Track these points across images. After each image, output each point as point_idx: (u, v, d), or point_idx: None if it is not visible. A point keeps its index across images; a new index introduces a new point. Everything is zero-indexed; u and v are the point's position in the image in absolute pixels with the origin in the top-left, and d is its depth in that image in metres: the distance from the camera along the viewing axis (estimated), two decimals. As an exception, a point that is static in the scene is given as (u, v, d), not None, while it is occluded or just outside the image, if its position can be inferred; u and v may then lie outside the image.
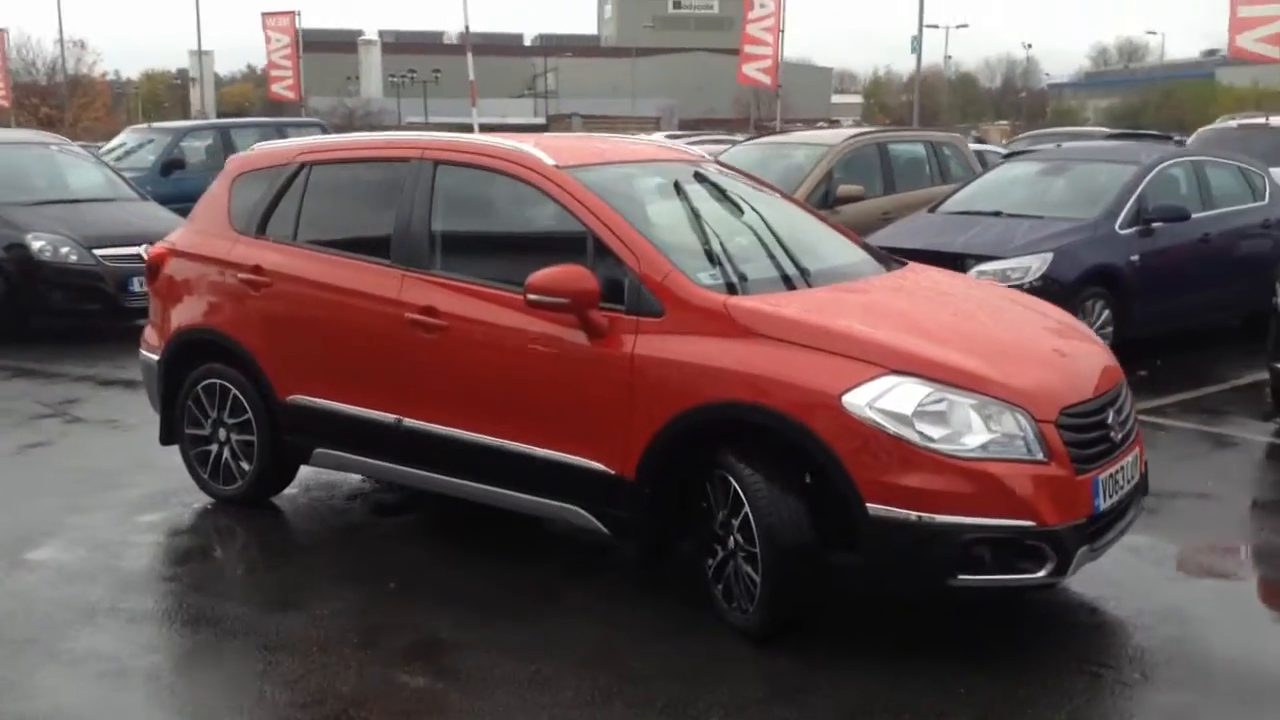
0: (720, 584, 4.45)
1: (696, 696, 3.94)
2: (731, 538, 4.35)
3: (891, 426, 4.01)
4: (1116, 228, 9.09)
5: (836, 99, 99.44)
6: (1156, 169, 9.58)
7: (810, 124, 34.67)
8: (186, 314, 5.99)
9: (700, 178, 5.50)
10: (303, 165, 5.77)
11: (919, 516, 3.98)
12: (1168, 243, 9.30)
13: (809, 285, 4.87)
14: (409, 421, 5.16)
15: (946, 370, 4.15)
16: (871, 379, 4.09)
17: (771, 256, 5.04)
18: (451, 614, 4.60)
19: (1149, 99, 72.43)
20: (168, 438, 6.18)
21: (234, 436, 5.86)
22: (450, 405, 5.04)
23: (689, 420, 4.38)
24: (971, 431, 4.04)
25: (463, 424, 5.00)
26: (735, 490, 4.28)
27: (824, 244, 5.48)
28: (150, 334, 6.25)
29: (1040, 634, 4.47)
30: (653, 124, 69.14)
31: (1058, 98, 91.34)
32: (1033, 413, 4.13)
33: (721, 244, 4.92)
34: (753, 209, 5.40)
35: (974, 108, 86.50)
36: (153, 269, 6.21)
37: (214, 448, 5.94)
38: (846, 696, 3.95)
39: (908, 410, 4.03)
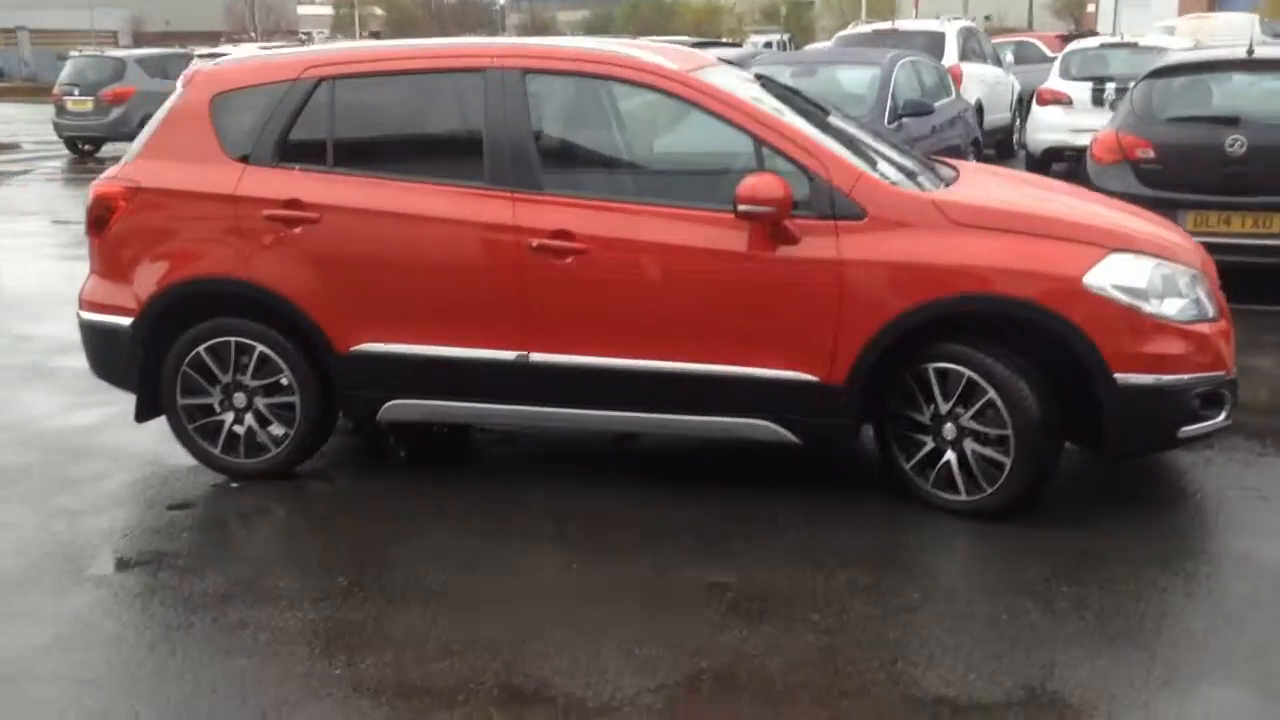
0: (931, 473, 4.62)
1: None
2: (949, 426, 4.54)
3: (1126, 300, 4.37)
4: (885, 123, 9.94)
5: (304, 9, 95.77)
6: (896, 68, 10.55)
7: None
8: (180, 263, 5.01)
9: (764, 80, 5.44)
10: (319, 80, 4.99)
11: (1157, 379, 4.39)
12: (913, 135, 10.30)
13: (933, 183, 5.04)
14: (537, 356, 4.76)
15: (1155, 244, 4.58)
16: (1101, 259, 4.41)
17: (883, 155, 5.14)
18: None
19: (614, 11, 76.88)
20: (147, 412, 5.20)
21: (260, 401, 5.06)
22: (593, 334, 4.71)
23: (912, 318, 4.46)
24: (1181, 297, 4.50)
25: (612, 351, 4.70)
26: (970, 379, 4.45)
27: (888, 143, 5.63)
28: (105, 292, 5.15)
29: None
30: (111, 38, 63.13)
31: (527, 9, 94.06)
32: (1206, 274, 4.68)
33: (850, 143, 4.95)
34: (822, 111, 5.45)
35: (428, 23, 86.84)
36: (102, 214, 5.10)
37: (226, 417, 5.09)
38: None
39: (1141, 284, 4.40)
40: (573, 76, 4.96)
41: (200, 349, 5.04)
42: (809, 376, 4.56)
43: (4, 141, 23.14)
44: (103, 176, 5.22)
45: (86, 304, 5.23)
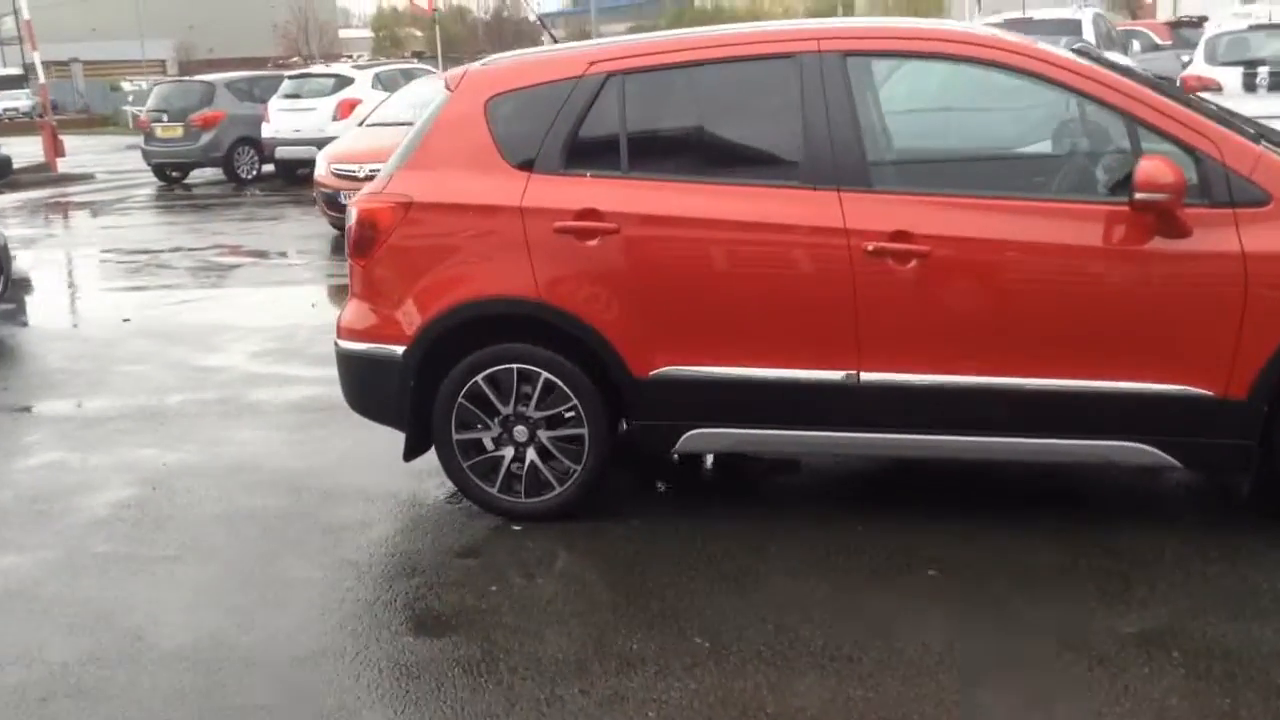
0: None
1: None
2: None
3: None
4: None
5: (344, 34, 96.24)
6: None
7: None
8: (459, 285, 4.51)
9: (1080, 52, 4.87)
10: (607, 76, 4.49)
11: None
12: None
13: None
14: (869, 375, 4.22)
15: None
16: None
17: (1255, 131, 4.53)
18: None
19: (659, 22, 76.74)
20: (416, 449, 4.71)
21: (543, 434, 4.55)
22: (936, 348, 4.17)
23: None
24: None
25: (958, 368, 4.15)
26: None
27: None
28: (370, 319, 4.66)
29: None
30: (160, 68, 63.58)
31: (563, 21, 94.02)
32: None
33: (1222, 120, 4.36)
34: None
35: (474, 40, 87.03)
36: (368, 233, 4.61)
37: (505, 452, 4.59)
38: None
39: None
40: (900, 57, 4.43)
41: (479, 378, 4.54)
42: (1201, 391, 3.99)
43: (77, 173, 22.91)
44: (363, 194, 4.73)
45: (347, 332, 4.74)
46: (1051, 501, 4.64)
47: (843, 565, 4.12)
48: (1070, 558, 4.07)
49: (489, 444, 4.62)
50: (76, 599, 4.14)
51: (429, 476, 5.05)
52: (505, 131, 4.53)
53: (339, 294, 10.24)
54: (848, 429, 4.33)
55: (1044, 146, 4.49)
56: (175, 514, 4.89)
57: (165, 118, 19.88)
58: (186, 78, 21.61)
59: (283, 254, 12.44)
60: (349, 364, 4.78)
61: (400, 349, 4.56)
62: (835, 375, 4.25)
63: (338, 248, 12.51)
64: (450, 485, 4.80)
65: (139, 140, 21.34)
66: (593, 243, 4.37)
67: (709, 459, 5.19)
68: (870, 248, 4.13)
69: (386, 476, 5.13)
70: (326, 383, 6.66)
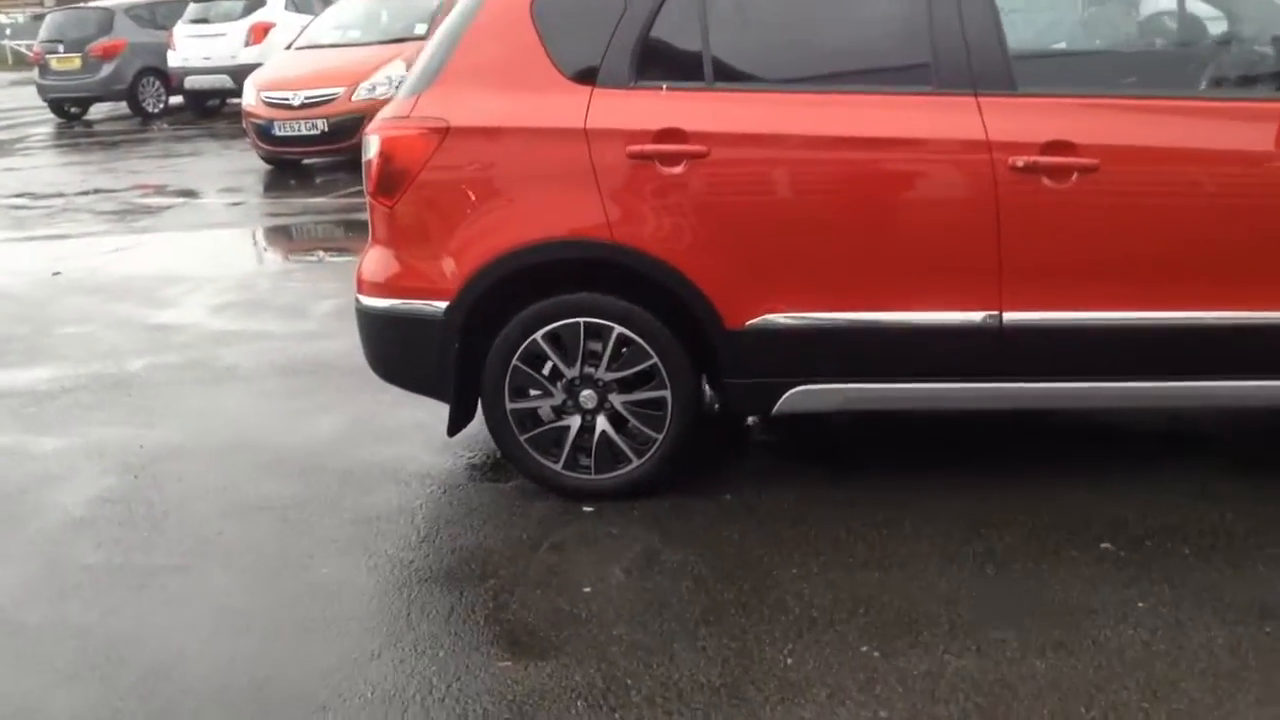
0: None
1: None
2: None
3: None
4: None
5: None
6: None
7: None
8: (514, 225, 3.75)
9: None
10: (682, -32, 3.72)
11: None
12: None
13: None
14: (1012, 315, 3.57)
15: None
16: None
17: None
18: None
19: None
20: (459, 421, 3.98)
21: (615, 399, 3.84)
22: (1097, 281, 3.54)
23: None
24: None
25: (1122, 303, 3.53)
26: None
27: None
28: (401, 270, 3.88)
29: None
30: None
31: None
32: None
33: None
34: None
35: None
36: (396, 168, 3.81)
37: (571, 422, 3.87)
38: None
39: None
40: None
41: (538, 336, 3.80)
42: None
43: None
44: (384, 118, 3.92)
45: (371, 286, 3.95)
46: (1185, 451, 4.08)
47: (999, 541, 3.50)
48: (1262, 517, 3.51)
49: (549, 413, 3.90)
50: (72, 628, 3.34)
51: (463, 449, 4.34)
52: (559, 36, 3.75)
53: (282, 237, 9.36)
54: (989, 379, 3.69)
55: (1216, 37, 3.84)
56: (169, 509, 4.09)
57: (61, 49, 18.41)
58: (80, 4, 20.03)
59: (215, 192, 11.41)
60: (375, 324, 4.00)
61: (441, 305, 3.80)
62: (974, 316, 3.59)
63: (274, 184, 11.57)
64: (490, 457, 4.11)
65: (31, 75, 19.83)
66: (677, 170, 3.63)
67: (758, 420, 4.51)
68: (1019, 163, 3.46)
69: (410, 450, 4.42)
70: (309, 338, 5.91)
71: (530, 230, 3.74)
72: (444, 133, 3.75)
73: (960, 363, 3.68)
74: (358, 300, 4.02)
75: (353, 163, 8.42)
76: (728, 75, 3.71)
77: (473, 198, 3.78)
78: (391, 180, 3.83)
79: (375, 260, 3.96)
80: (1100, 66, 3.90)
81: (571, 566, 3.54)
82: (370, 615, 3.33)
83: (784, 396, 3.79)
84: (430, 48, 3.97)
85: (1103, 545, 3.43)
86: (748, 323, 3.70)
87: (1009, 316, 3.58)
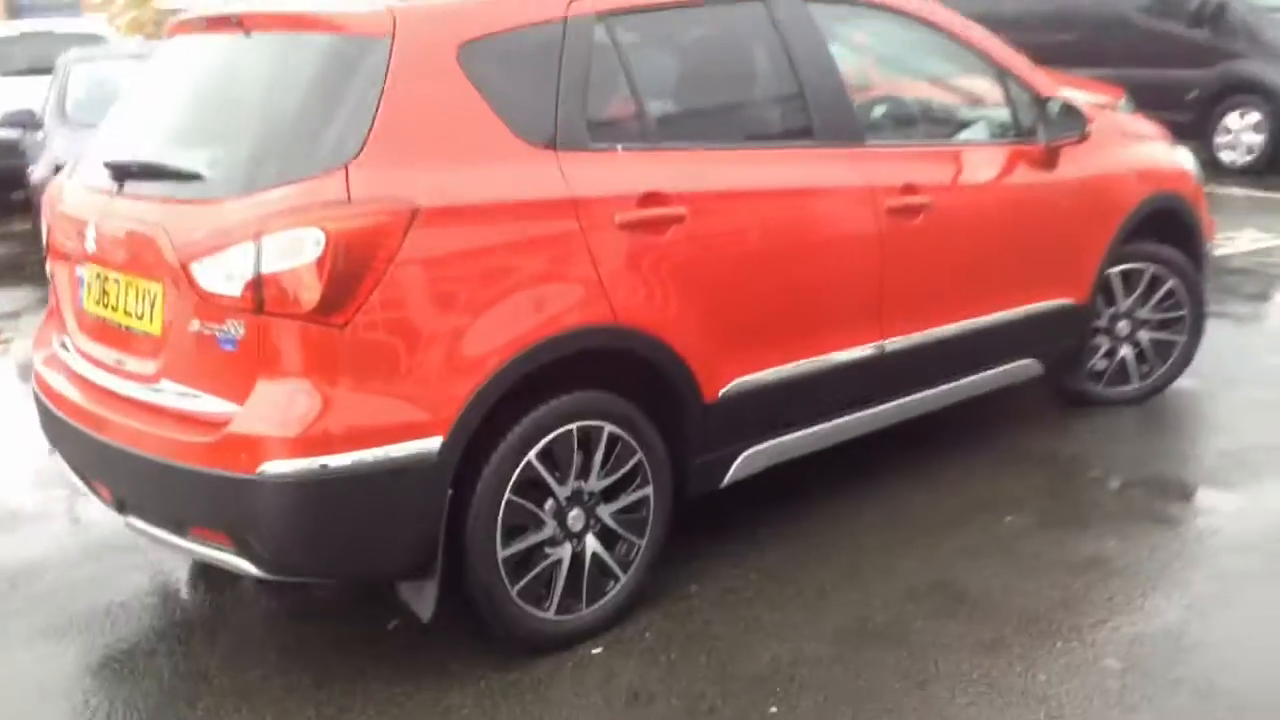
0: None
1: None
2: None
3: None
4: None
5: None
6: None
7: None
8: (512, 324, 2.94)
9: None
10: (595, 19, 3.27)
11: None
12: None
13: None
14: (892, 343, 3.91)
15: None
16: None
17: None
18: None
19: None
20: (440, 595, 3.02)
21: (604, 510, 3.27)
22: (942, 300, 4.05)
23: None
24: None
25: (958, 315, 4.09)
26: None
27: None
28: (377, 409, 2.79)
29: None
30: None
31: None
32: None
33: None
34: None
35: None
36: (354, 271, 2.72)
37: (561, 554, 3.20)
38: None
39: None
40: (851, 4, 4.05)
41: (531, 456, 3.07)
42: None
43: None
44: (313, 210, 2.74)
45: (326, 441, 2.75)
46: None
47: (929, 524, 3.82)
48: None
49: (549, 546, 3.18)
50: None
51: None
52: (499, 95, 3.06)
53: None
54: (876, 404, 3.97)
55: (961, 97, 4.50)
56: None
57: None
58: None
59: None
60: (324, 492, 2.79)
61: (435, 441, 2.86)
62: (866, 350, 3.83)
63: None
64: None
65: None
66: (664, 236, 3.26)
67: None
68: (892, 205, 3.83)
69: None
70: None
71: (535, 325, 2.98)
72: (412, 215, 2.83)
73: (855, 394, 3.89)
74: (290, 469, 2.76)
75: None
76: (669, 134, 3.39)
77: (459, 296, 2.89)
78: (345, 287, 2.74)
79: (324, 405, 2.77)
80: (905, 121, 4.33)
81: None
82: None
83: (736, 461, 3.60)
84: (288, 119, 2.93)
85: (1007, 519, 3.96)
86: (720, 392, 3.45)
87: (890, 344, 3.87)
